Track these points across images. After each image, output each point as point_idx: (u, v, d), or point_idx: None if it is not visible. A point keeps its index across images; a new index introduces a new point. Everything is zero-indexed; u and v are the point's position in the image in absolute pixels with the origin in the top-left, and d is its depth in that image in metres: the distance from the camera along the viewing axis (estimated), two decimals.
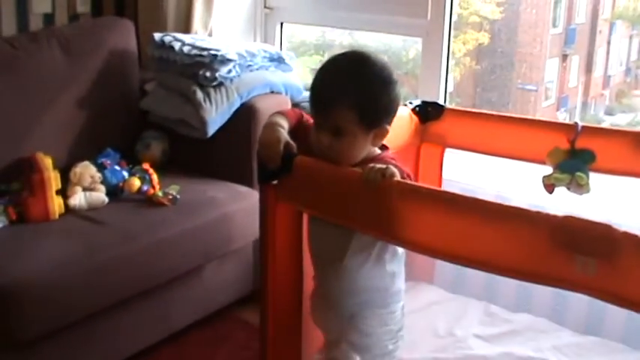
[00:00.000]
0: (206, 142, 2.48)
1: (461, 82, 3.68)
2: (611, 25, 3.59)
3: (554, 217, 1.24)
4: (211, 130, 2.44)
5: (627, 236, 1.19)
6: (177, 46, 2.52)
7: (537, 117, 3.47)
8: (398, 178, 1.40)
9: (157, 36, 2.60)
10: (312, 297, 1.71)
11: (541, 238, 1.25)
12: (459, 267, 1.41)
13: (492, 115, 2.06)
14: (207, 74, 2.42)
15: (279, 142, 1.52)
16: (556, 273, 1.25)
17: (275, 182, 1.57)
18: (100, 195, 2.23)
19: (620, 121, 3.50)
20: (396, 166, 1.42)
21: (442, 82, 2.64)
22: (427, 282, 2.28)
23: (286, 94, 2.63)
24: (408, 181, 1.42)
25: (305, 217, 1.66)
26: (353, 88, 1.48)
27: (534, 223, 1.26)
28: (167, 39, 2.57)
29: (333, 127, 1.50)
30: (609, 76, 3.71)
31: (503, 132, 2.01)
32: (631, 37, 3.66)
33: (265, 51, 2.62)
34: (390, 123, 1.55)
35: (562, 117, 3.67)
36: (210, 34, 2.85)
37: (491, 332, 2.06)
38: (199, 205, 2.29)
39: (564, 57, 3.67)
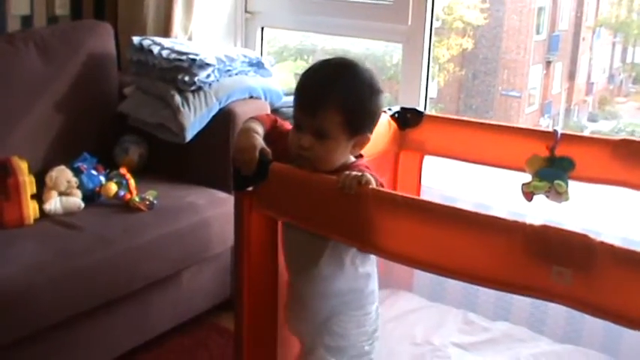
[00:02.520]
0: (184, 147, 2.47)
1: (445, 87, 3.69)
2: (594, 32, 3.61)
3: (531, 226, 1.23)
4: (190, 134, 2.43)
5: (604, 246, 1.18)
6: (156, 49, 2.51)
7: (521, 123, 3.52)
8: (374, 185, 1.39)
9: (136, 39, 2.59)
10: (287, 303, 1.70)
11: (517, 247, 1.24)
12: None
13: (471, 122, 2.06)
14: (186, 79, 2.41)
15: (254, 148, 1.52)
16: (532, 283, 1.25)
17: (250, 189, 1.56)
18: (76, 200, 2.21)
19: (603, 127, 3.52)
20: (371, 175, 1.42)
21: (423, 88, 2.64)
22: (406, 290, 2.27)
23: (265, 99, 2.62)
24: (384, 189, 1.41)
25: (280, 224, 1.65)
26: (343, 90, 1.49)
27: (510, 232, 1.25)
28: (146, 42, 2.56)
29: (318, 128, 1.49)
30: (592, 83, 3.73)
31: (482, 139, 2.00)
32: (614, 44, 3.69)
33: (245, 56, 2.61)
34: (371, 131, 1.56)
35: (545, 123, 3.69)
36: (189, 38, 2.85)
37: (470, 340, 2.05)
38: (177, 211, 2.27)
39: (548, 63, 3.69)
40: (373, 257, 1.62)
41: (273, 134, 1.62)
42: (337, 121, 1.48)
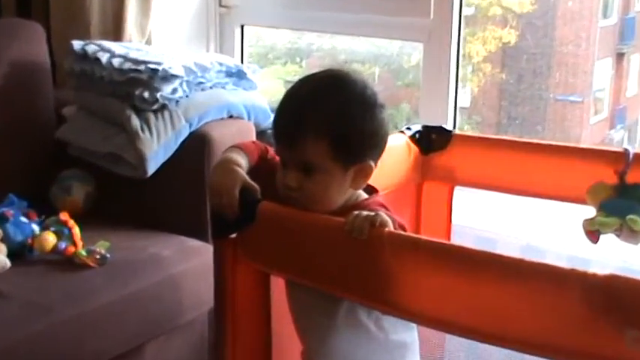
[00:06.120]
0: (145, 184, 2.51)
1: (480, 94, 3.71)
2: None
3: (594, 276, 1.24)
4: (152, 167, 2.47)
5: None
6: (104, 57, 2.55)
7: (583, 137, 3.50)
8: (391, 228, 1.43)
9: (77, 44, 2.62)
10: None
11: (577, 304, 1.25)
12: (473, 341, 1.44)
13: (515, 142, 2.10)
14: (146, 95, 2.46)
15: (233, 185, 1.56)
16: (597, 350, 1.26)
17: (233, 236, 1.60)
18: (0, 257, 2.22)
19: None
20: (387, 214, 1.46)
21: (451, 97, 2.69)
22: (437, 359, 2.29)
23: (249, 118, 2.67)
24: (404, 232, 1.45)
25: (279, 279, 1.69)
26: (323, 112, 1.54)
27: (568, 285, 1.27)
28: (91, 48, 2.60)
29: (301, 162, 1.54)
30: None
31: (530, 163, 2.04)
32: None
33: (221, 63, 2.65)
34: (374, 157, 1.60)
35: (618, 137, 3.68)
36: (148, 42, 2.89)
37: None
38: (137, 267, 2.30)
39: (619, 56, 3.67)
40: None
41: (263, 168, 1.67)
42: (321, 150, 1.53)
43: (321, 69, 1.65)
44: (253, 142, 1.76)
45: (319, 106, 1.54)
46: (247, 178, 1.59)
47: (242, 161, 1.63)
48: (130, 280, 2.26)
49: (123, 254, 2.32)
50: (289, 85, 1.63)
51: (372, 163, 1.59)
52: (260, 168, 1.67)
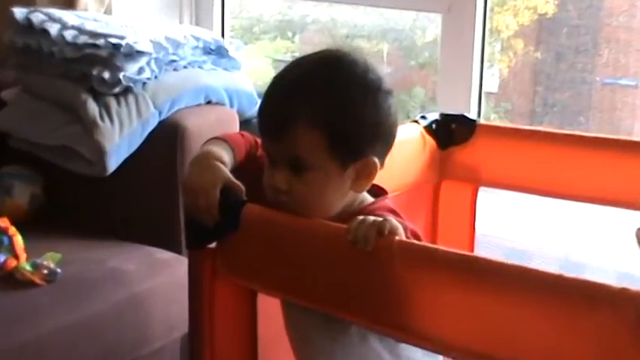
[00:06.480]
0: (105, 183, 2.52)
1: (511, 77, 3.73)
2: None
3: None
4: (113, 163, 2.48)
5: None
6: (53, 29, 2.56)
7: (636, 129, 3.50)
8: (402, 237, 1.44)
9: (20, 13, 2.63)
10: None
11: (627, 328, 1.27)
12: None
13: (553, 134, 2.12)
14: (105, 75, 2.47)
15: (213, 184, 1.57)
16: None
17: (212, 246, 1.62)
18: None
19: None
20: (398, 221, 1.47)
21: (475, 80, 2.72)
22: None
23: (231, 105, 2.69)
24: (418, 242, 1.47)
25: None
26: (318, 97, 1.55)
27: (616, 306, 1.28)
28: (37, 18, 2.60)
29: (291, 159, 1.56)
30: None
31: (571, 160, 2.06)
32: None
33: (197, 38, 2.67)
34: (379, 153, 1.61)
35: None
36: (108, 12, 2.90)
37: None
38: (93, 284, 2.31)
39: None
40: None
41: (251, 167, 1.68)
42: (314, 143, 1.54)
43: (318, 46, 1.66)
44: (241, 133, 1.76)
45: (312, 90, 1.56)
46: (230, 176, 1.60)
47: (225, 156, 1.64)
48: (84, 301, 2.26)
49: (76, 269, 2.33)
50: (280, 66, 1.64)
51: (377, 160, 1.60)
52: (248, 167, 1.68)
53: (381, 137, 1.61)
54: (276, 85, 1.61)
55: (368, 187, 1.65)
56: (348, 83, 1.58)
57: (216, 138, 1.68)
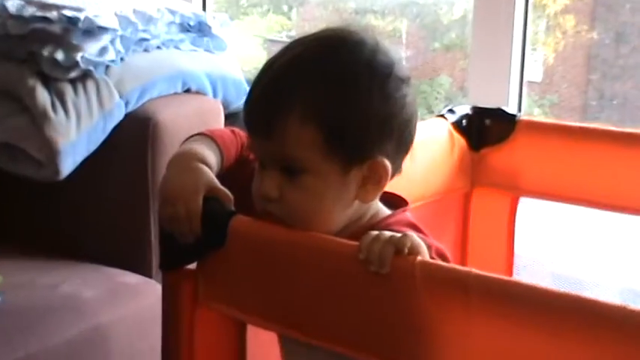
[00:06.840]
0: (59, 190, 2.53)
1: (559, 62, 3.74)
2: None
3: None
4: (68, 165, 2.48)
5: None
6: None
7: None
8: (426, 257, 1.44)
9: None
10: None
11: None
12: None
13: (611, 133, 2.12)
14: (59, 56, 2.47)
15: (195, 190, 1.57)
16: None
17: (192, 267, 1.61)
18: None
19: None
20: (420, 237, 1.46)
21: (515, 66, 2.72)
22: None
23: (215, 94, 2.70)
24: (445, 264, 1.46)
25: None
26: (311, 85, 1.54)
27: None
28: None
29: (282, 159, 1.55)
30: None
31: (635, 165, 2.06)
32: None
33: (173, 12, 2.68)
34: (391, 154, 1.60)
35: None
36: None
37: None
38: (44, 314, 2.31)
39: None
40: None
41: (243, 171, 1.68)
42: (309, 139, 1.54)
43: (320, 24, 1.65)
44: (232, 130, 1.75)
45: (306, 77, 1.55)
46: (216, 181, 1.60)
47: (211, 157, 1.64)
48: (31, 336, 2.25)
49: (22, 295, 2.34)
50: (273, 47, 1.64)
51: (388, 163, 1.59)
52: (238, 171, 1.69)
53: (392, 134, 1.60)
54: (265, 71, 1.60)
55: (378, 196, 1.65)
56: (351, 68, 1.56)
57: (201, 134, 1.69)
